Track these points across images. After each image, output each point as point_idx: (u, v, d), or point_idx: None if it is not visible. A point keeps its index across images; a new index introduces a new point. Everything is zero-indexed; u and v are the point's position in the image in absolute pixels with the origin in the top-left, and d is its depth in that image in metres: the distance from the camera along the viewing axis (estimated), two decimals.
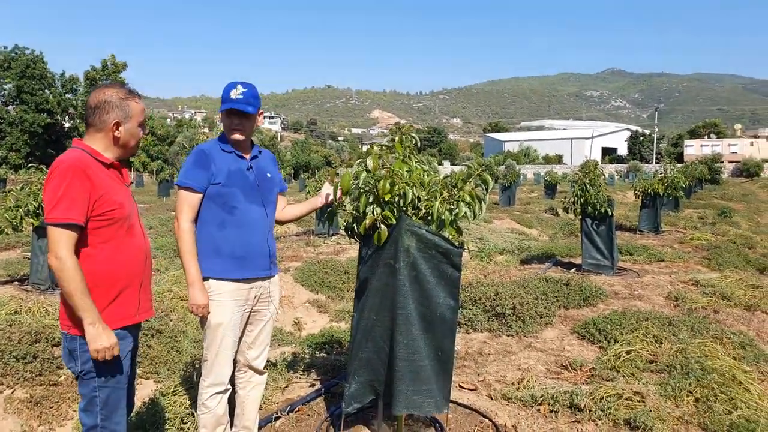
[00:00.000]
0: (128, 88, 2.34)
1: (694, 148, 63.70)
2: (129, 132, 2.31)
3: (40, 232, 6.83)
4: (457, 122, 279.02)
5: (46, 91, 46.05)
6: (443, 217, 2.77)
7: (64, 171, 2.14)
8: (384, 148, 2.97)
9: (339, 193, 2.85)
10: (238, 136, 2.79)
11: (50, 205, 2.12)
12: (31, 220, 6.76)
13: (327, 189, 3.02)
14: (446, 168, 49.89)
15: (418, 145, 3.06)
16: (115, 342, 2.17)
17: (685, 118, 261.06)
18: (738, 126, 78.18)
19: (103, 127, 2.27)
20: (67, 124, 48.28)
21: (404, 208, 2.76)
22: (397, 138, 2.97)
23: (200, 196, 2.74)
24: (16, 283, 7.20)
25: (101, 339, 2.13)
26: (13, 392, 3.99)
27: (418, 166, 2.90)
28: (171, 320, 5.46)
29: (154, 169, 47.23)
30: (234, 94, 2.72)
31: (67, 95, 47.57)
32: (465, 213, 2.77)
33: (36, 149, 44.45)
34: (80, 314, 2.12)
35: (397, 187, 2.69)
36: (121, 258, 2.25)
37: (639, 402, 3.57)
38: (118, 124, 2.28)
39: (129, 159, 2.92)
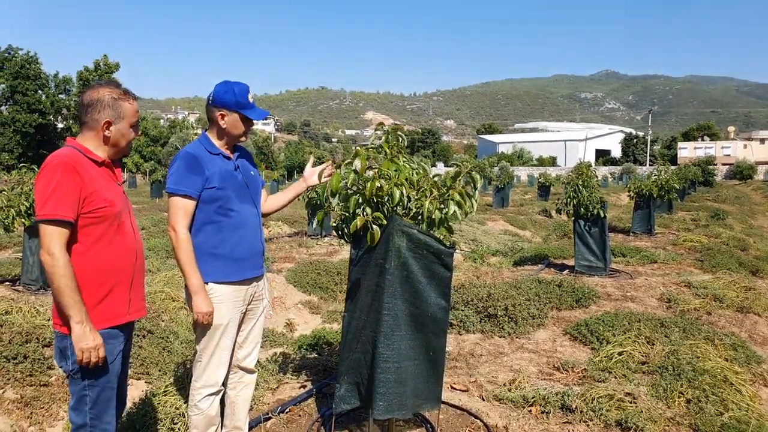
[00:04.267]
0: (123, 89, 2.33)
1: (688, 151, 64.07)
2: (120, 132, 2.30)
3: (32, 232, 6.79)
4: (451, 124, 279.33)
5: (39, 91, 45.79)
6: (433, 217, 2.77)
7: (54, 168, 2.14)
8: (372, 149, 2.96)
9: (323, 180, 2.87)
10: (245, 140, 2.84)
11: (41, 202, 2.12)
12: (23, 220, 6.73)
13: (308, 170, 3.02)
14: (440, 169, 49.96)
15: (405, 143, 3.04)
16: (100, 343, 2.15)
17: (679, 120, 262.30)
18: (731, 128, 78.70)
19: (95, 126, 2.27)
20: (60, 125, 48.01)
21: (394, 209, 2.75)
22: (383, 137, 2.96)
23: (195, 202, 2.68)
24: (8, 283, 7.15)
25: (87, 339, 2.12)
26: (3, 392, 3.96)
27: (407, 165, 2.89)
28: (162, 321, 5.44)
29: (147, 170, 47.05)
30: (251, 98, 2.75)
31: (60, 96, 47.31)
32: (455, 212, 2.76)
33: (28, 150, 44.20)
34: (68, 312, 2.11)
35: (385, 188, 2.68)
36: (110, 256, 2.24)
37: (630, 403, 3.58)
38: (109, 124, 2.27)
39: (122, 159, 2.90)
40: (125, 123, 2.31)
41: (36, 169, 7.17)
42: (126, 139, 2.35)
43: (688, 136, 72.76)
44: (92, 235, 2.20)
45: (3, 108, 45.97)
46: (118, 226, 2.28)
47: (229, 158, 2.80)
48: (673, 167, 18.92)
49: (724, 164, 56.80)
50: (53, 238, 2.09)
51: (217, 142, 2.79)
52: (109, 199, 2.23)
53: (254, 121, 2.80)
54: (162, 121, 78.34)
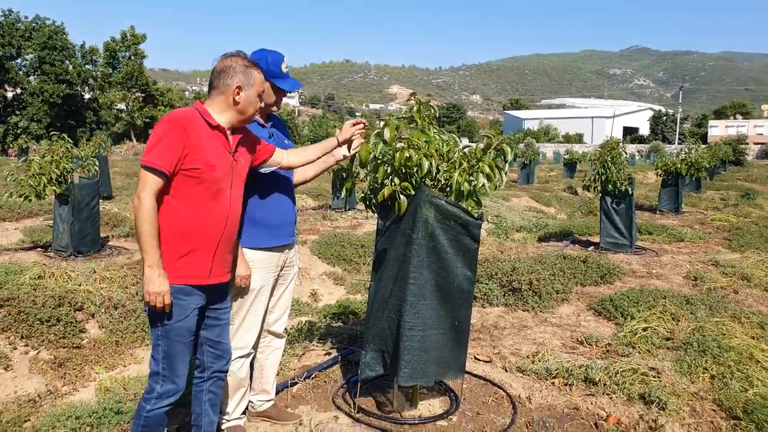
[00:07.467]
0: (251, 60, 2.46)
1: (719, 129, 62.46)
2: (248, 98, 2.40)
3: (62, 199, 6.94)
4: (477, 99, 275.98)
5: (66, 62, 46.30)
6: (462, 188, 2.76)
7: (165, 122, 2.28)
8: (402, 119, 2.94)
9: (357, 144, 2.78)
10: (276, 110, 2.83)
11: (147, 149, 2.25)
12: (54, 187, 6.86)
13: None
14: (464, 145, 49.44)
15: (437, 115, 3.02)
16: (166, 290, 2.22)
17: (711, 98, 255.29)
18: (765, 107, 76.25)
19: (225, 90, 2.36)
20: (86, 95, 48.61)
21: (422, 179, 2.74)
22: (415, 108, 2.94)
23: None
24: (39, 249, 7.35)
25: (155, 283, 2.20)
26: (38, 353, 4.10)
27: (437, 137, 2.87)
28: None
29: None
30: (284, 68, 2.73)
31: (86, 66, 47.81)
32: (483, 184, 2.75)
33: (56, 120, 44.92)
34: (143, 255, 2.21)
35: (414, 158, 2.66)
36: (198, 219, 2.31)
37: (654, 377, 3.57)
38: (239, 89, 2.37)
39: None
40: (254, 90, 2.41)
41: (66, 138, 7.32)
42: (253, 107, 2.44)
43: (720, 114, 70.82)
44: (187, 194, 2.29)
45: (31, 78, 46.65)
46: (215, 192, 2.33)
47: (263, 126, 2.83)
48: (703, 146, 18.48)
49: (756, 143, 55.30)
50: (146, 183, 2.21)
51: None
52: (210, 162, 2.30)
53: (287, 92, 2.78)
54: (187, 93, 78.82)
